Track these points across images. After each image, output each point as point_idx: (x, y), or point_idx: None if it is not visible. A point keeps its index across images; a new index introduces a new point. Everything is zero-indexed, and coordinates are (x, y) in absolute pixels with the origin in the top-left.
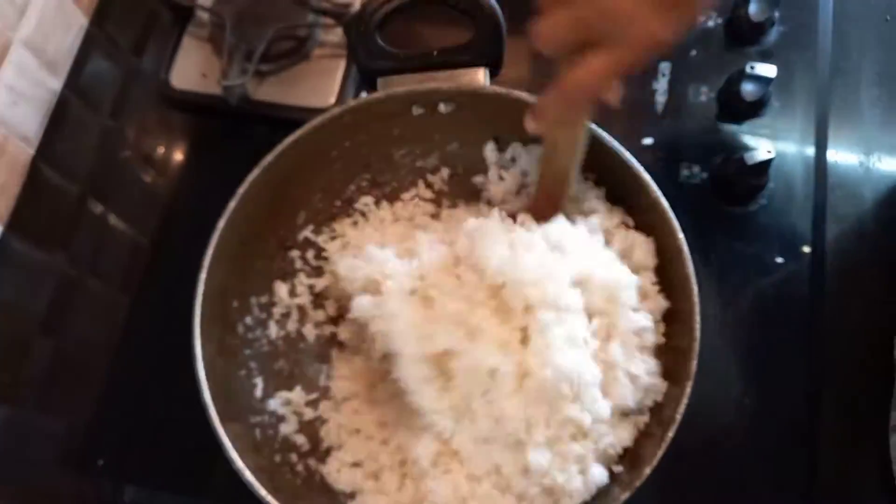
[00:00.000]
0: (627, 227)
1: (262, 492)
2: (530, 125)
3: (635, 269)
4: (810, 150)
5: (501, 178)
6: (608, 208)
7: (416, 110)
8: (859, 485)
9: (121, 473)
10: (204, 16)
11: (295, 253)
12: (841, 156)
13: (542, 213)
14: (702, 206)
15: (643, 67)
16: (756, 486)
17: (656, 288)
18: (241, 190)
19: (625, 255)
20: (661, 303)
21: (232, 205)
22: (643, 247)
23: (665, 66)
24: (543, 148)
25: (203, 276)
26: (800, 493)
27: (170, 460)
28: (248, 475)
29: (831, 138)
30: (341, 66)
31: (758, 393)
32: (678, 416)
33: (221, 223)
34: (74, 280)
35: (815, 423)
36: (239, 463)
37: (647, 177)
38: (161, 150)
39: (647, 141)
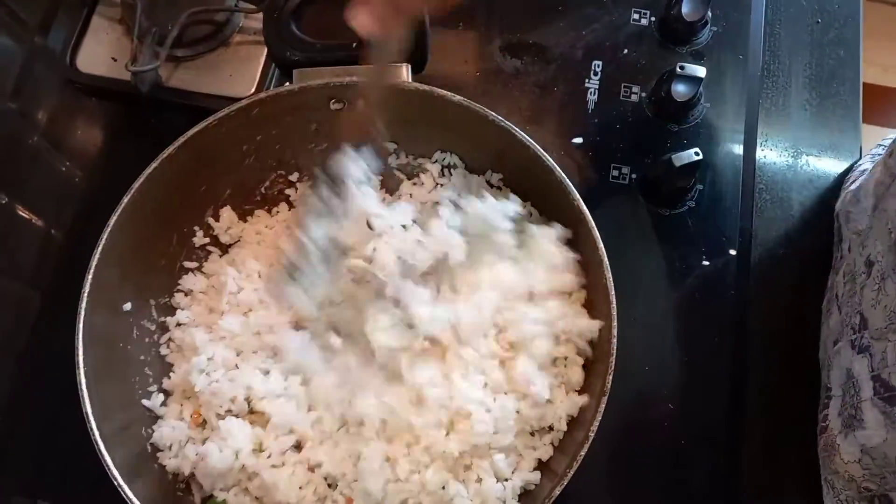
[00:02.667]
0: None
1: None
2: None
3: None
4: (739, 153)
5: None
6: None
7: (334, 105)
8: (783, 483)
9: (11, 485)
10: None
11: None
12: (770, 158)
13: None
14: (630, 208)
15: None
16: (682, 490)
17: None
18: (136, 184)
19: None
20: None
21: (126, 200)
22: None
23: (597, 64)
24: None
25: (89, 277)
26: (726, 496)
27: (65, 475)
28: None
29: (760, 141)
30: (263, 54)
31: (682, 396)
32: (591, 434)
33: (113, 220)
34: None
35: (739, 424)
36: (127, 490)
37: (576, 195)
38: (73, 137)
39: (577, 140)
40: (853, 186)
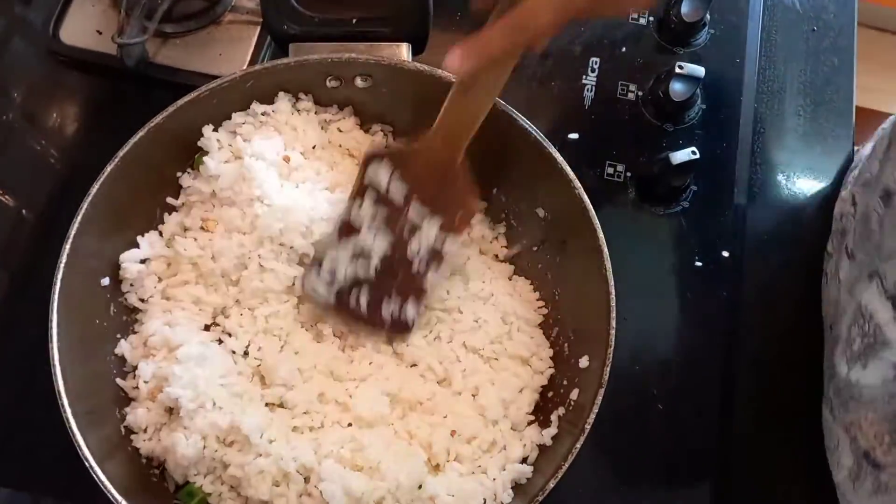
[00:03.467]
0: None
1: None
2: (458, 62)
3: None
4: (733, 155)
5: None
6: None
7: (331, 82)
8: (774, 485)
9: None
10: None
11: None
12: (764, 162)
13: (437, 154)
14: (624, 205)
15: None
16: (670, 489)
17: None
18: (121, 152)
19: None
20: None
21: (109, 168)
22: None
23: (594, 62)
24: (455, 90)
25: (67, 247)
26: (715, 496)
27: (37, 458)
28: (106, 482)
29: (755, 144)
30: (255, 34)
31: (672, 397)
32: (587, 427)
33: (95, 188)
34: None
35: (729, 425)
36: (98, 472)
37: (577, 182)
38: (50, 113)
39: (573, 136)
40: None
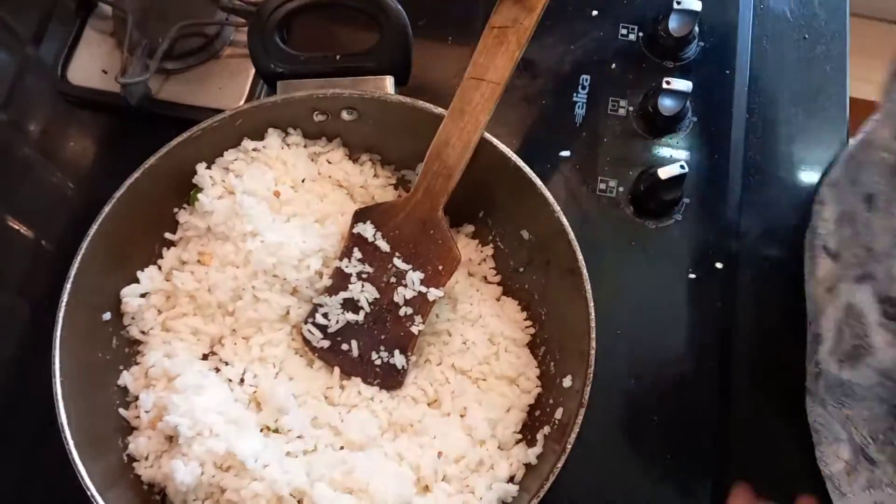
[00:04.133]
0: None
1: None
2: None
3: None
4: (726, 167)
5: None
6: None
7: (318, 117)
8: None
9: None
10: (107, 9)
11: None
12: (757, 172)
13: (418, 209)
14: (617, 220)
15: None
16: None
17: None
18: (117, 194)
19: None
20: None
21: (107, 209)
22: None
23: (585, 79)
24: (433, 148)
25: (68, 286)
26: None
27: (43, 490)
28: None
29: (747, 154)
30: (252, 67)
31: (667, 410)
32: (568, 446)
33: (94, 228)
34: None
35: (725, 439)
36: (99, 500)
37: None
38: (65, 148)
39: (565, 153)
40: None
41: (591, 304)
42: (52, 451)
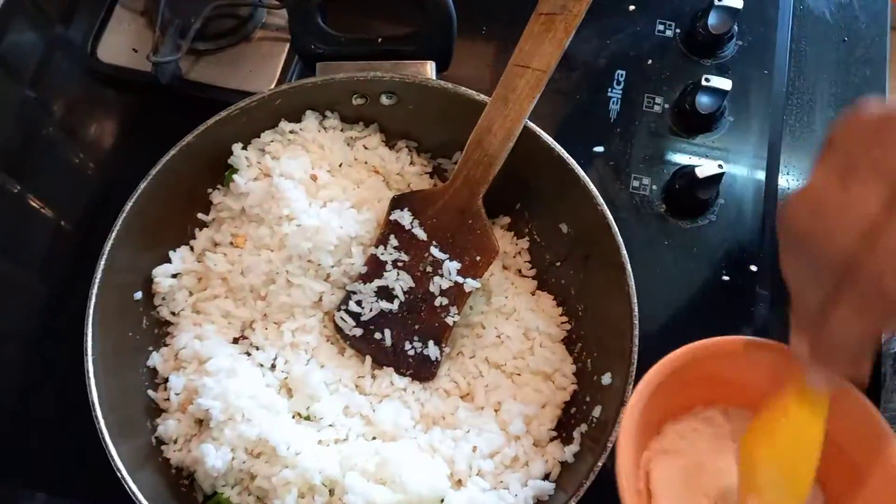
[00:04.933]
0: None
1: None
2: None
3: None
4: (762, 168)
5: None
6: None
7: (357, 100)
8: None
9: (18, 474)
10: None
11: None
12: (792, 175)
13: (457, 198)
14: (650, 218)
15: None
16: None
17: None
18: (153, 171)
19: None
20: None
21: (142, 186)
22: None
23: (620, 74)
24: (473, 136)
25: (102, 262)
26: None
27: (71, 465)
28: (137, 491)
29: (783, 157)
30: (284, 50)
31: None
32: (609, 445)
33: (129, 205)
34: None
35: None
36: (130, 482)
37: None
38: (88, 127)
39: (598, 149)
40: None
41: (635, 300)
42: (75, 431)
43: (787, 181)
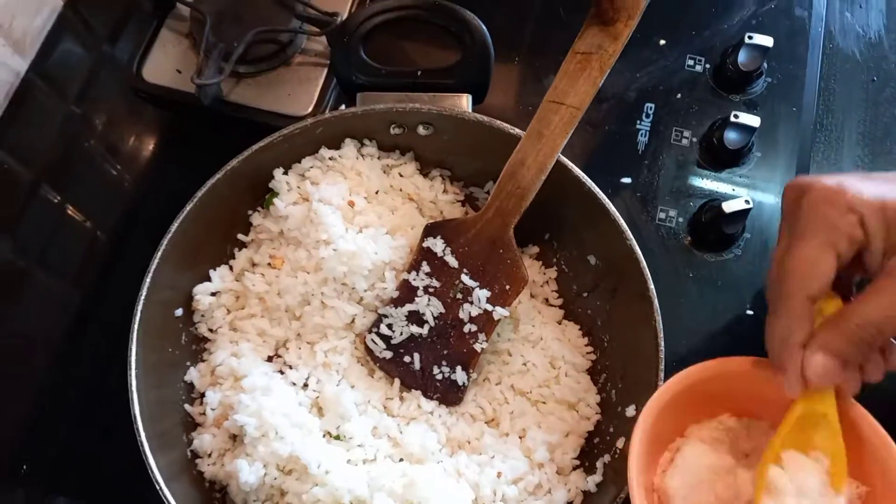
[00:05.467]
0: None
1: None
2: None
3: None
4: None
5: None
6: None
7: (394, 130)
8: None
9: (46, 482)
10: (184, 10)
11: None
12: None
13: (489, 228)
14: (676, 250)
15: None
16: None
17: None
18: (200, 193)
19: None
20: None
21: (188, 207)
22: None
23: (649, 107)
24: (509, 165)
25: (147, 280)
26: None
27: (99, 474)
28: (172, 501)
29: None
30: (322, 75)
31: None
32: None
33: (175, 225)
34: (20, 269)
35: None
36: (167, 492)
37: (628, 233)
38: (128, 143)
39: (626, 180)
40: None
41: (661, 332)
42: (102, 442)
43: None
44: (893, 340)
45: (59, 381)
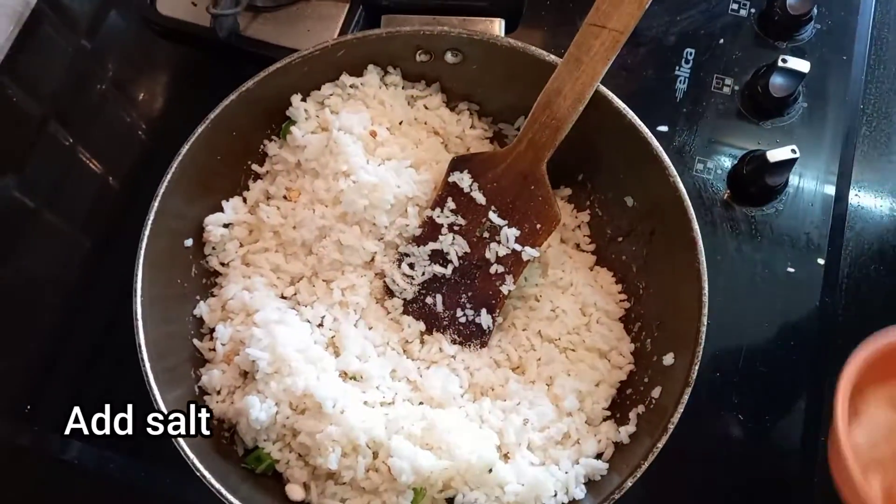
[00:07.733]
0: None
1: (199, 465)
2: None
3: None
4: (836, 156)
5: None
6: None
7: (421, 56)
8: None
9: (52, 422)
10: None
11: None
12: (867, 167)
13: (520, 162)
14: (713, 203)
15: None
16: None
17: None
18: (212, 115)
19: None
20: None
21: (200, 129)
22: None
23: (689, 52)
24: (544, 94)
25: (155, 204)
26: None
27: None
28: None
29: (859, 149)
30: (344, 11)
31: (753, 407)
32: (671, 426)
33: (185, 149)
34: (28, 210)
35: (813, 441)
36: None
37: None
38: (141, 79)
39: (662, 128)
40: None
41: (706, 278)
42: (112, 379)
43: (862, 172)
44: None
45: (65, 321)
